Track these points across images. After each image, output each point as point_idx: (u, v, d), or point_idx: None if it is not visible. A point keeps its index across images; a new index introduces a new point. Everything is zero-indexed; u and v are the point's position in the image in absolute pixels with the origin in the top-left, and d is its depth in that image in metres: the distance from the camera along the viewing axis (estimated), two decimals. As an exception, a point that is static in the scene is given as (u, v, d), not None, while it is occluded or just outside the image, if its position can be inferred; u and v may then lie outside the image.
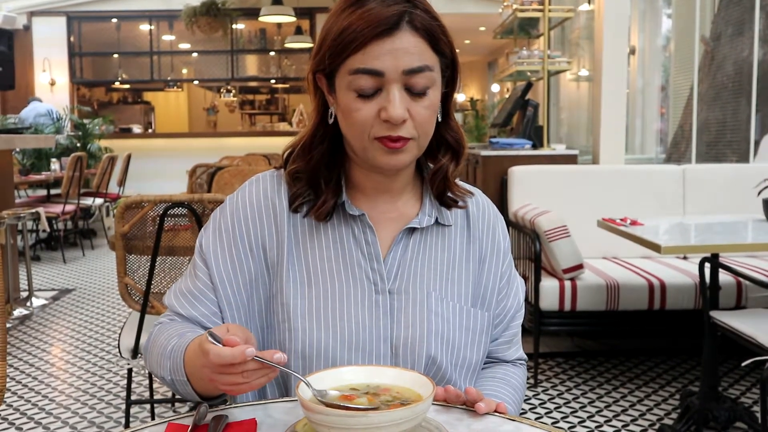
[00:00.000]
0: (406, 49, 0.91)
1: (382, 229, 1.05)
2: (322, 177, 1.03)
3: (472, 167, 4.27)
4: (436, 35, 0.95)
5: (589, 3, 4.09)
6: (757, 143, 4.71)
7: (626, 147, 6.15)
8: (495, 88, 11.73)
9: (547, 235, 3.16)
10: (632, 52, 6.36)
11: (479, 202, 1.13)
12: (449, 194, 1.07)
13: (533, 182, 3.76)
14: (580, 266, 3.21)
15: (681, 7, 5.46)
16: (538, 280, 3.17)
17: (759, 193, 2.92)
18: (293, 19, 8.18)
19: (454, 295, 1.06)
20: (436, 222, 1.07)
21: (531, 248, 3.22)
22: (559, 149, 4.13)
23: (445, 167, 1.05)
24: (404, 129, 0.94)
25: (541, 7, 4.15)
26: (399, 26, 0.91)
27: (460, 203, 1.08)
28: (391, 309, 1.02)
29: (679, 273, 3.31)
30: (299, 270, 1.03)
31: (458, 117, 12.42)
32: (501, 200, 3.89)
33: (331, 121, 1.01)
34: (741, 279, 3.05)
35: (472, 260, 1.09)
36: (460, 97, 14.05)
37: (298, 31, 9.01)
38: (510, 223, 3.72)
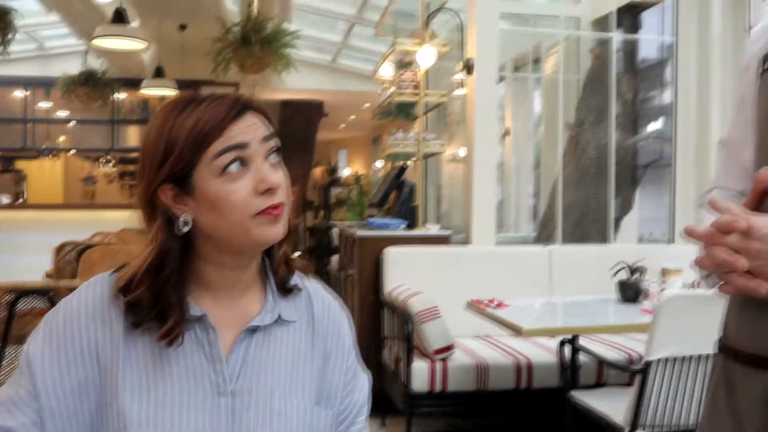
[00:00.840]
0: (257, 123, 0.99)
1: (225, 329, 1.03)
2: (167, 300, 1.00)
3: (349, 246, 4.29)
4: (268, 116, 1.03)
5: (461, 87, 4.26)
6: (617, 222, 4.99)
7: (502, 223, 6.38)
8: (380, 163, 11.98)
9: (418, 317, 3.20)
10: (507, 133, 6.66)
11: (323, 297, 1.14)
12: (292, 281, 1.08)
13: (407, 263, 3.82)
14: (450, 347, 3.25)
15: (548, 93, 5.78)
16: (410, 361, 3.18)
17: (614, 275, 3.07)
18: (175, 92, 8.11)
19: (299, 393, 1.04)
20: (280, 318, 1.06)
21: (403, 329, 3.24)
22: (433, 230, 4.23)
23: (285, 250, 1.08)
24: (278, 195, 0.97)
25: (416, 92, 4.30)
26: (245, 108, 0.98)
27: (299, 285, 1.10)
28: (233, 411, 0.99)
29: (545, 352, 3.40)
30: (136, 375, 0.98)
31: (342, 191, 12.58)
32: (376, 280, 3.92)
33: (185, 229, 0.99)
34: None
35: (316, 357, 1.08)
36: (346, 171, 14.24)
37: (181, 103, 8.91)
38: (384, 304, 3.74)
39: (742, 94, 1.22)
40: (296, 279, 1.11)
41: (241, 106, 0.98)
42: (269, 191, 0.97)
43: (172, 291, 0.99)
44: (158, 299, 0.98)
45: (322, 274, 8.79)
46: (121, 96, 9.94)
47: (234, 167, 0.96)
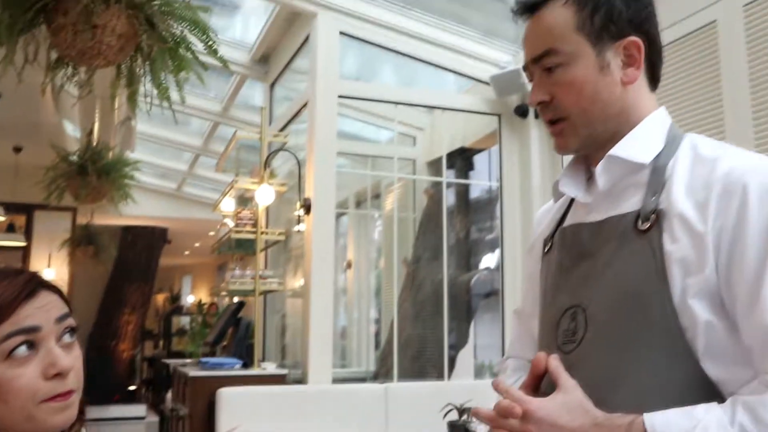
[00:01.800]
0: (52, 302, 0.97)
1: None
2: None
3: (182, 386, 4.11)
4: (64, 295, 1.01)
5: (298, 222, 4.32)
6: (454, 356, 5.12)
7: (344, 354, 6.36)
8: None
9: (248, 466, 3.07)
10: (349, 265, 6.77)
11: None
12: None
13: (242, 404, 3.69)
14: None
15: (387, 228, 5.98)
16: None
17: (444, 416, 3.12)
18: (2, 218, 7.66)
19: None
20: None
21: (232, 480, 3.09)
22: (270, 368, 4.15)
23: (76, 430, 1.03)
24: (69, 380, 0.94)
25: (254, 229, 4.31)
26: (38, 287, 0.96)
27: None
28: None
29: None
30: None
31: (185, 321, 12.15)
32: (209, 422, 3.75)
33: None
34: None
35: None
36: (190, 298, 13.81)
37: (10, 228, 8.43)
38: (215, 450, 3.57)
39: (530, 271, 1.34)
40: None
41: (34, 285, 0.95)
42: (59, 376, 0.93)
43: None
44: None
45: (158, 410, 8.30)
46: (-57, 219, 9.26)
47: (21, 351, 0.92)
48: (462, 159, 5.57)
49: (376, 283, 6.66)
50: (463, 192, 5.68)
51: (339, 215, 6.46)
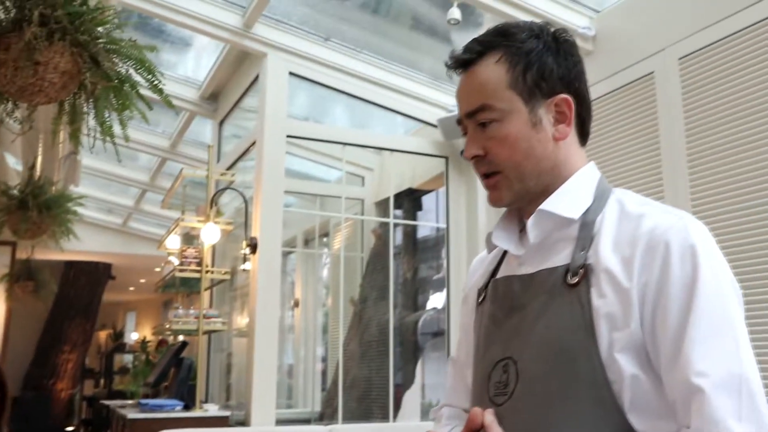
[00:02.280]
0: None
1: None
2: None
3: (120, 430, 3.99)
4: None
5: (244, 261, 4.28)
6: (399, 401, 5.09)
7: (290, 392, 6.27)
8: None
9: None
10: (296, 304, 6.71)
11: None
12: None
13: (181, 448, 3.60)
14: None
15: (335, 268, 5.97)
16: None
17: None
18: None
19: None
20: None
21: None
22: (212, 410, 4.07)
23: None
24: None
25: (199, 268, 4.26)
26: None
27: None
28: None
29: None
30: None
31: (128, 359, 11.85)
32: (146, 467, 3.65)
33: None
34: None
35: None
36: (133, 335, 13.50)
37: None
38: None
39: (464, 321, 1.36)
40: None
41: None
42: None
43: None
44: None
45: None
46: None
47: None
48: (410, 200, 5.62)
49: (323, 322, 6.62)
50: (410, 232, 5.71)
51: (286, 254, 6.43)
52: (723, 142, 2.80)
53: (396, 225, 5.35)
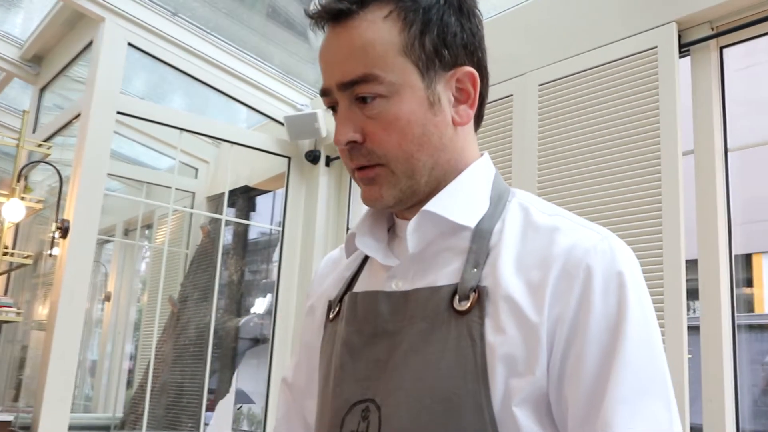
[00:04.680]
0: None
1: None
2: None
3: None
4: None
5: (51, 246, 3.81)
6: (212, 410, 4.77)
7: (90, 398, 5.74)
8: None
9: None
10: (108, 298, 6.21)
11: None
12: None
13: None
14: None
15: (155, 262, 5.55)
16: None
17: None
18: None
19: None
20: None
21: None
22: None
23: None
24: None
25: (-4, 247, 3.74)
26: None
27: None
28: None
29: None
30: None
31: None
32: None
33: None
34: None
35: None
36: None
37: None
38: None
39: (308, 338, 1.08)
40: None
41: None
42: None
43: None
44: None
45: None
46: None
47: None
48: (244, 198, 5.34)
49: (136, 318, 6.16)
50: (242, 233, 5.43)
51: (103, 242, 5.92)
52: (570, 167, 2.83)
53: (227, 223, 5.05)
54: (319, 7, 0.91)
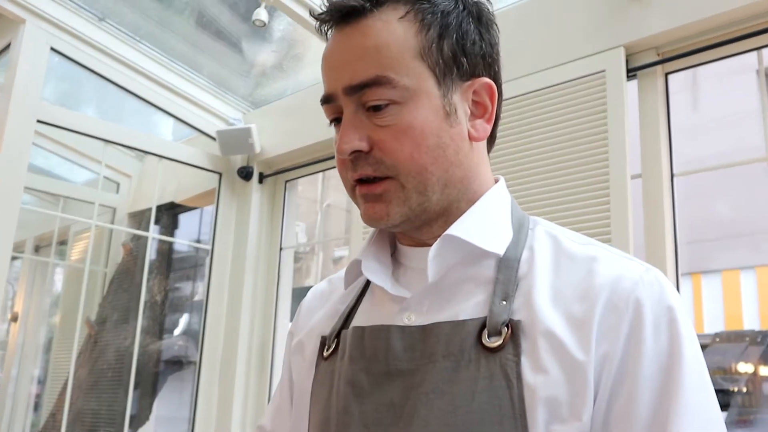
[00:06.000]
0: None
1: None
2: None
3: None
4: None
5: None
6: (132, 437, 4.51)
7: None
8: None
9: None
10: (15, 318, 5.85)
11: None
12: None
13: None
14: None
15: (70, 281, 5.25)
16: None
17: None
18: None
19: None
20: None
21: None
22: None
23: None
24: None
25: None
26: None
27: None
28: None
29: None
30: None
31: None
32: None
33: None
34: None
35: None
36: None
37: None
38: None
39: (296, 377, 0.96)
40: None
41: None
42: None
43: None
44: None
45: None
46: None
47: None
48: (169, 215, 5.11)
49: (46, 340, 5.81)
50: (166, 251, 5.19)
51: (12, 258, 5.57)
52: (519, 189, 2.79)
53: (153, 241, 4.81)
54: (328, 6, 0.82)
